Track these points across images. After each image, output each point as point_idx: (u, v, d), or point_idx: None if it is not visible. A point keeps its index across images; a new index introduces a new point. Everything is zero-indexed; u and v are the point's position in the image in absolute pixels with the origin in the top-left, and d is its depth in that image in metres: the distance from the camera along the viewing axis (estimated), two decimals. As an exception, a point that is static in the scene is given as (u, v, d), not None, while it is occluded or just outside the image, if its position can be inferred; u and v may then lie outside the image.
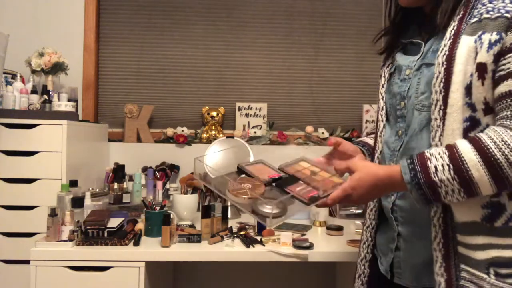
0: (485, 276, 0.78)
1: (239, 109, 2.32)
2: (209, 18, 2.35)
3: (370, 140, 1.16)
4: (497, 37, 0.76)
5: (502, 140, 0.73)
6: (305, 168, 1.07)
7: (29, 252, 1.35)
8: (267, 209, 0.91)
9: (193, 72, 2.36)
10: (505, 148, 0.73)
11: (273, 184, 1.01)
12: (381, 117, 1.02)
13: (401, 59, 0.98)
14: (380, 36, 1.06)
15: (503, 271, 0.77)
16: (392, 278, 0.97)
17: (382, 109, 1.02)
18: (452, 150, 0.77)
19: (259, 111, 2.33)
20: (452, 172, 0.75)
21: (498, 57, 0.77)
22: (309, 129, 2.31)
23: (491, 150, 0.73)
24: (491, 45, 0.77)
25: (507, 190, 0.77)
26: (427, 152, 0.79)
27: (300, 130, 2.36)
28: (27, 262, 1.38)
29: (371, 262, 1.03)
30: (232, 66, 2.37)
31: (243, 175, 1.05)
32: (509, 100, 0.76)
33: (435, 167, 0.77)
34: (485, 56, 0.77)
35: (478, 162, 0.74)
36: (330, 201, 0.89)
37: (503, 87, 0.76)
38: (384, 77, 1.03)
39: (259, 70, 2.38)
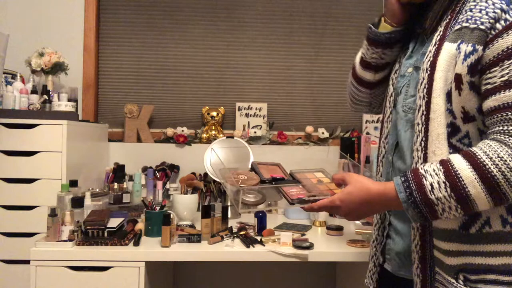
0: (453, 281, 0.79)
1: (239, 109, 2.32)
2: (209, 18, 2.36)
3: None
4: (471, 49, 0.77)
5: (498, 156, 0.73)
6: (315, 177, 1.07)
7: (29, 252, 1.35)
8: (245, 196, 0.95)
9: (193, 72, 2.36)
10: (502, 164, 0.72)
11: (273, 182, 1.03)
12: (389, 103, 1.00)
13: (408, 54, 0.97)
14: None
15: (473, 277, 0.78)
16: (383, 263, 1.01)
17: (391, 96, 1.00)
18: (447, 167, 0.76)
19: (259, 111, 2.33)
20: (448, 189, 0.75)
21: (472, 69, 0.77)
22: (309, 129, 2.31)
23: (487, 166, 0.73)
24: (465, 56, 0.77)
25: (503, 205, 0.77)
26: (421, 169, 0.79)
27: (299, 130, 2.36)
28: (27, 262, 1.38)
29: (381, 245, 1.04)
30: (232, 66, 2.37)
31: (250, 171, 1.08)
32: (499, 115, 0.75)
33: (431, 185, 0.76)
34: (460, 67, 0.78)
35: (475, 179, 0.73)
36: (316, 207, 0.90)
37: (491, 102, 0.76)
38: (399, 62, 1.01)
39: (259, 70, 2.38)
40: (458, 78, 0.78)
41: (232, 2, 2.36)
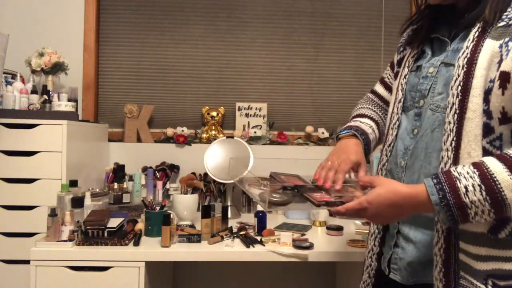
0: (483, 286, 0.77)
1: (239, 109, 2.32)
2: (209, 18, 2.35)
3: (366, 128, 1.11)
4: None
5: None
6: None
7: (29, 252, 1.35)
8: (272, 196, 0.92)
9: (193, 72, 2.36)
10: None
11: (295, 190, 1.01)
12: (397, 110, 0.97)
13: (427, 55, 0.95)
14: (417, 33, 0.99)
15: (502, 283, 0.77)
16: (388, 273, 0.97)
17: (400, 102, 0.97)
18: (482, 170, 0.73)
19: (259, 111, 2.33)
20: (484, 193, 0.72)
21: None
22: (309, 129, 2.31)
23: None
24: None
25: None
26: (454, 170, 0.75)
27: (299, 130, 2.36)
28: (27, 262, 1.38)
29: (378, 255, 1.01)
30: (232, 66, 2.37)
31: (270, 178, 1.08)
32: None
33: (466, 187, 0.73)
34: (509, 65, 0.74)
35: None
36: (343, 210, 0.85)
37: None
38: (408, 67, 0.97)
39: (259, 70, 2.38)
40: (504, 76, 0.75)
41: (232, 2, 2.36)
